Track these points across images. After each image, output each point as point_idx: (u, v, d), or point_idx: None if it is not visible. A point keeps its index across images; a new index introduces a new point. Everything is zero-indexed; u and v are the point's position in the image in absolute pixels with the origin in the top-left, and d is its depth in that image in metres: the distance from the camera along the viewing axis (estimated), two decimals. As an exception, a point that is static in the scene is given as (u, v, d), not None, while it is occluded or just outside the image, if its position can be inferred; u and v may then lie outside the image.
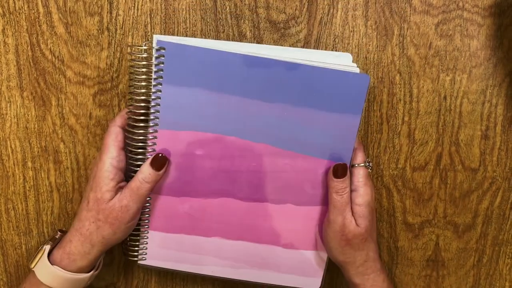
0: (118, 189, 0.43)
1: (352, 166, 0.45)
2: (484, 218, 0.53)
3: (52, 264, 0.43)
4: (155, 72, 0.42)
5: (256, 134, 0.44)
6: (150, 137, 0.44)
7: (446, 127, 0.50)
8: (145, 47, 0.42)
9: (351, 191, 0.44)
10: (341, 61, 0.43)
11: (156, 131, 0.43)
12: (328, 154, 0.44)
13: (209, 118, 0.43)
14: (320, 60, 0.42)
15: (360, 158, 0.44)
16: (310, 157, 0.44)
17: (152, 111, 0.43)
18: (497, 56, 0.49)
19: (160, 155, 0.43)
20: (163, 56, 0.42)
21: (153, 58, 0.42)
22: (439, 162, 0.51)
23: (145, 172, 0.43)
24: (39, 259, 0.44)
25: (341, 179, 0.43)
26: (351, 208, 0.44)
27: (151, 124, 0.43)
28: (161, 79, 0.42)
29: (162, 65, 0.42)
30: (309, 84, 0.42)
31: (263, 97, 0.43)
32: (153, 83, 0.42)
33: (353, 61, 0.43)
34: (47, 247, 0.44)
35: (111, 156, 0.43)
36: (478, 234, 0.53)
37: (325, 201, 0.46)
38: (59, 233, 0.46)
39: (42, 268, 0.43)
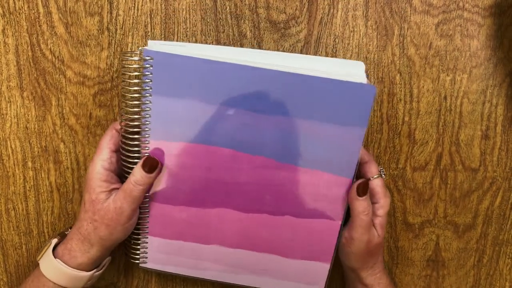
0: (113, 190, 0.43)
1: (368, 179, 0.44)
2: (484, 218, 0.53)
3: (55, 258, 0.43)
4: (145, 83, 0.41)
5: (254, 147, 0.42)
6: (144, 147, 0.43)
7: (446, 127, 0.50)
8: (136, 58, 0.41)
9: (372, 203, 0.44)
10: (351, 70, 0.40)
11: (148, 141, 0.43)
12: (330, 168, 0.43)
13: (202, 130, 0.42)
14: (328, 69, 0.40)
15: (374, 169, 0.44)
16: (311, 170, 0.43)
17: (143, 122, 0.42)
18: (497, 56, 0.49)
19: (151, 157, 0.43)
20: (152, 66, 0.40)
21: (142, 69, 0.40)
22: (440, 162, 0.51)
23: (137, 174, 0.42)
24: (45, 251, 0.44)
25: (364, 197, 0.42)
26: (372, 220, 0.44)
27: (144, 135, 0.42)
28: (150, 90, 0.41)
29: (151, 75, 0.40)
30: (310, 95, 0.40)
31: (261, 110, 0.41)
32: (144, 93, 0.41)
33: (365, 71, 0.40)
34: (54, 241, 0.45)
35: (102, 158, 0.43)
36: (478, 234, 0.53)
37: (327, 214, 0.45)
38: (69, 229, 0.47)
39: (46, 261, 0.44)
